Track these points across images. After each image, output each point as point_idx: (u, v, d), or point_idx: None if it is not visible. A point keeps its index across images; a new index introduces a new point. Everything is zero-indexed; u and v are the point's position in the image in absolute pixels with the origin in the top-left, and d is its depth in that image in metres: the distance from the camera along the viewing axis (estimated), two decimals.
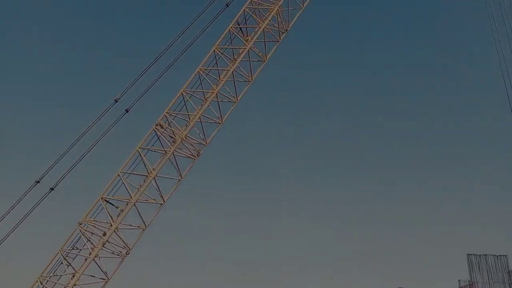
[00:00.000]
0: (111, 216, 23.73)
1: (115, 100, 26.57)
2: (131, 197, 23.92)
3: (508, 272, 32.16)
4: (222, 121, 26.55)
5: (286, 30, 28.66)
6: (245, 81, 27.76)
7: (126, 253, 23.79)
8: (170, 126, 25.52)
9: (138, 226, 24.22)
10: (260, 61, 28.15)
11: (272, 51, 28.49)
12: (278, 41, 28.54)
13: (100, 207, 24.03)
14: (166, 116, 25.62)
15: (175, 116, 25.95)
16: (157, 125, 25.18)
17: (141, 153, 24.74)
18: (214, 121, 26.55)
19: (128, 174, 24.58)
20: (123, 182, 24.13)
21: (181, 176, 25.08)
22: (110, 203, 24.14)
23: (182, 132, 25.35)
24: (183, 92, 26.03)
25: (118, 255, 23.69)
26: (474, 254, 32.64)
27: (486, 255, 32.61)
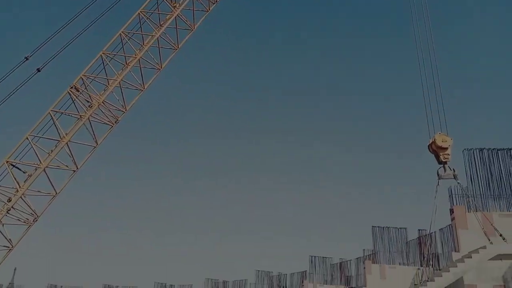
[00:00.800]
0: (17, 182, 22.40)
1: (25, 57, 24.56)
2: (40, 162, 22.68)
3: (407, 242, 35.46)
4: (144, 88, 25.76)
5: (216, 1, 28.02)
6: (171, 48, 26.99)
7: (33, 220, 22.74)
8: (87, 90, 24.27)
9: (48, 193, 23.17)
10: (188, 29, 27.43)
11: (201, 20, 27.83)
12: (208, 10, 27.89)
13: (6, 172, 22.55)
14: (82, 78, 24.27)
15: (92, 80, 24.68)
16: (72, 87, 23.79)
17: (53, 116, 23.35)
18: (135, 88, 25.68)
19: (38, 137, 23.18)
20: (32, 146, 22.73)
21: (96, 143, 24.18)
22: (16, 167, 22.71)
23: (99, 97, 24.26)
24: (102, 55, 24.70)
25: (25, 222, 22.59)
26: (378, 226, 35.48)
27: (388, 227, 35.58)
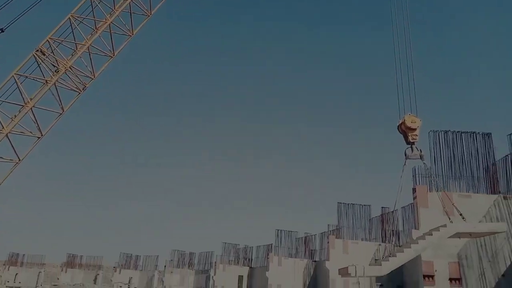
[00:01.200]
0: None
1: None
2: (3, 128, 21.80)
3: (370, 219, 36.63)
4: (113, 55, 24.94)
5: None
6: (143, 15, 26.11)
7: None
8: (53, 54, 23.27)
9: (11, 160, 22.40)
10: None
11: None
12: None
13: None
14: (49, 41, 23.21)
15: (60, 43, 23.67)
16: (37, 50, 22.74)
17: (17, 80, 22.35)
18: (105, 54, 24.83)
19: (0, 102, 22.21)
20: None
21: (62, 110, 23.40)
22: None
23: (66, 62, 23.34)
24: (70, 17, 23.62)
25: None
26: (343, 203, 36.40)
27: (353, 204, 36.57)
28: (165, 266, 56.06)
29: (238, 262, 50.27)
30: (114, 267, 60.60)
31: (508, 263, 18.90)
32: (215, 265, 48.84)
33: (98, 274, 58.83)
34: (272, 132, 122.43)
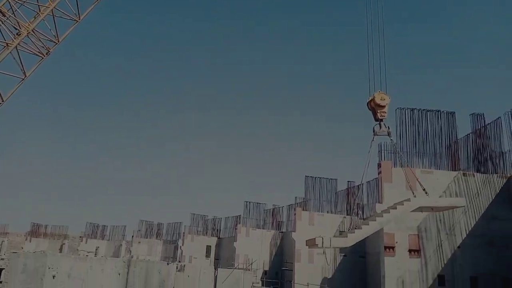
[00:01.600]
0: None
1: None
2: None
3: (336, 193, 37.59)
4: (79, 19, 23.87)
5: None
6: None
7: None
8: (15, 15, 22.04)
9: None
10: None
11: None
12: None
13: None
14: (9, 2, 21.92)
15: (21, 4, 22.40)
16: None
17: None
18: (70, 18, 23.72)
19: None
20: None
21: (25, 75, 22.40)
22: None
23: (29, 25, 22.18)
24: None
25: None
26: (310, 176, 37.11)
27: (320, 177, 37.35)
28: (132, 236, 56.07)
29: (206, 233, 50.86)
30: (80, 237, 60.07)
31: (464, 235, 19.97)
32: (184, 235, 49.25)
33: (64, 244, 58.21)
34: (240, 105, 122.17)
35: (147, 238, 56.18)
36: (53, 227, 60.53)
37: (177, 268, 4.28)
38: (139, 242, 53.32)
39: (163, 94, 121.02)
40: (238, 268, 21.51)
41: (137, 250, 51.83)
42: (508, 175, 20.70)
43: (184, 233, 50.17)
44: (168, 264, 4.19)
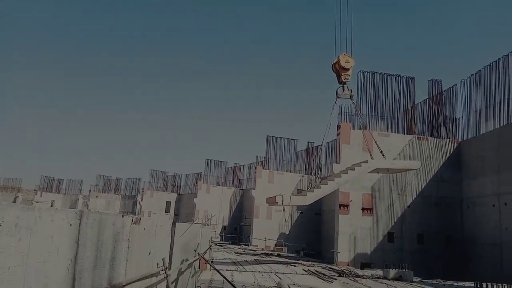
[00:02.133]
0: None
1: None
2: None
3: (296, 153, 38.26)
4: None
5: None
6: None
7: None
8: None
9: None
10: None
11: None
12: None
13: None
14: None
15: None
16: None
17: None
18: None
19: None
20: None
21: None
22: None
23: None
24: None
25: None
26: (272, 136, 37.45)
27: (281, 137, 37.76)
28: (90, 191, 55.23)
29: (166, 189, 50.86)
30: (34, 190, 58.46)
31: (414, 196, 21.07)
32: (143, 191, 49.03)
33: (17, 197, 56.58)
34: (205, 68, 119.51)
35: (105, 193, 55.51)
36: (6, 180, 58.36)
37: (132, 220, 4.21)
38: (97, 197, 52.67)
39: (130, 46, 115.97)
40: (197, 223, 21.74)
41: (94, 205, 51.27)
42: (459, 141, 21.75)
43: (143, 188, 49.89)
44: (123, 216, 4.13)
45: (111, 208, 52.35)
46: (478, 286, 9.20)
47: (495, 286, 9.05)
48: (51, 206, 52.68)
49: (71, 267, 3.74)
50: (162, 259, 5.87)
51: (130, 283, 4.82)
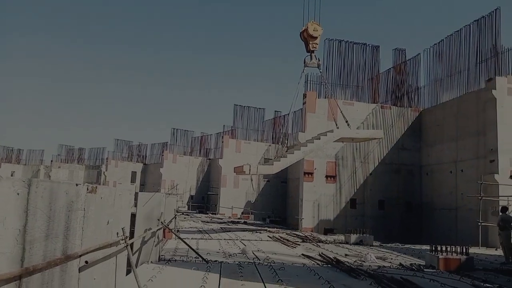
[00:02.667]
0: None
1: None
2: None
3: (263, 122, 38.31)
4: None
5: None
6: None
7: None
8: None
9: None
10: None
11: None
12: None
13: None
14: None
15: None
16: None
17: None
18: None
19: None
20: None
21: None
22: None
23: None
24: None
25: None
26: (239, 105, 37.24)
27: (249, 106, 37.61)
28: (51, 161, 53.62)
29: (131, 159, 50.04)
30: None
31: (376, 163, 21.66)
32: (107, 161, 48.05)
33: None
34: (170, 26, 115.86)
35: (68, 163, 54.05)
36: None
37: (87, 189, 4.08)
38: (59, 167, 51.22)
39: (91, 11, 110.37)
40: (168, 194, 21.63)
41: (57, 175, 49.93)
42: (421, 109, 22.33)
43: (107, 158, 48.87)
44: (77, 185, 3.99)
45: (75, 179, 51.13)
46: (433, 248, 9.63)
47: (448, 248, 9.50)
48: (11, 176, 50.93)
49: (20, 238, 3.59)
50: (122, 228, 5.76)
51: (87, 253, 4.70)
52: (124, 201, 6.40)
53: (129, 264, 6.71)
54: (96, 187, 5.03)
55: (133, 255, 9.34)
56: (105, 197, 5.30)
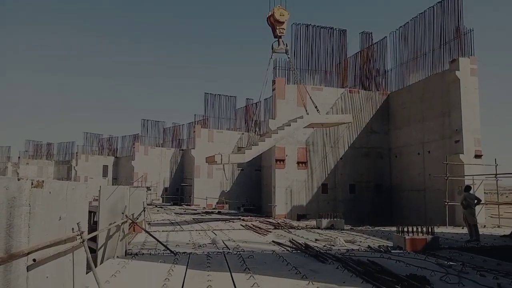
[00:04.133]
0: None
1: None
2: None
3: (235, 110, 38.07)
4: None
5: None
6: None
7: None
8: None
9: None
10: None
11: None
12: None
13: None
14: None
15: None
16: None
17: None
18: None
19: None
20: None
21: None
22: None
23: None
24: None
25: None
26: (210, 93, 36.83)
27: (219, 94, 37.26)
28: (19, 158, 51.93)
29: (102, 152, 48.97)
30: None
31: (346, 148, 21.84)
32: (77, 155, 46.87)
33: None
34: (137, 16, 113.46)
35: (36, 159, 52.47)
36: None
37: (33, 184, 3.86)
38: (27, 164, 49.68)
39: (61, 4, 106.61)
40: (135, 186, 21.23)
41: (25, 172, 48.45)
42: (388, 92, 22.59)
43: (77, 153, 47.65)
44: (19, 179, 3.78)
45: (44, 175, 49.73)
46: (400, 229, 9.76)
47: (414, 229, 9.65)
48: None
49: None
50: (77, 223, 5.53)
51: (36, 250, 4.47)
52: (79, 195, 6.14)
53: (94, 259, 6.49)
54: (43, 181, 4.78)
55: (98, 251, 9.10)
56: (55, 191, 5.04)
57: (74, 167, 45.93)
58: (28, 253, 4.32)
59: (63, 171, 50.09)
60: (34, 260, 4.30)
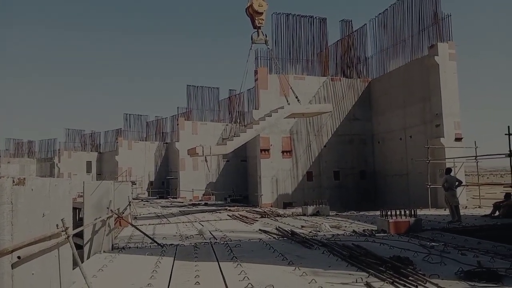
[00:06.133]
0: None
1: None
2: None
3: (218, 102, 37.92)
4: None
5: None
6: None
7: None
8: None
9: None
10: None
11: None
12: None
13: None
14: None
15: None
16: None
17: None
18: None
19: None
20: None
21: None
22: None
23: None
24: None
25: None
26: (192, 86, 36.60)
27: (202, 86, 37.05)
28: None
29: (85, 148, 48.37)
30: None
31: (330, 135, 22.03)
32: (59, 152, 46.20)
33: None
34: (118, 10, 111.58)
35: (17, 157, 51.54)
36: None
37: (14, 181, 3.80)
38: (9, 162, 48.78)
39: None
40: (120, 181, 21.11)
41: (7, 171, 47.57)
42: (370, 79, 22.80)
43: (59, 149, 46.95)
44: (0, 177, 3.73)
45: (27, 173, 48.91)
46: (384, 213, 9.96)
47: (398, 212, 9.86)
48: None
49: None
50: (62, 219, 5.50)
51: (20, 248, 4.45)
52: (62, 191, 6.10)
53: (81, 255, 6.48)
54: (25, 178, 4.74)
55: (84, 246, 9.06)
56: (37, 188, 5.01)
57: (56, 164, 45.30)
58: (12, 251, 4.31)
59: (46, 169, 49.35)
60: (18, 257, 4.29)
